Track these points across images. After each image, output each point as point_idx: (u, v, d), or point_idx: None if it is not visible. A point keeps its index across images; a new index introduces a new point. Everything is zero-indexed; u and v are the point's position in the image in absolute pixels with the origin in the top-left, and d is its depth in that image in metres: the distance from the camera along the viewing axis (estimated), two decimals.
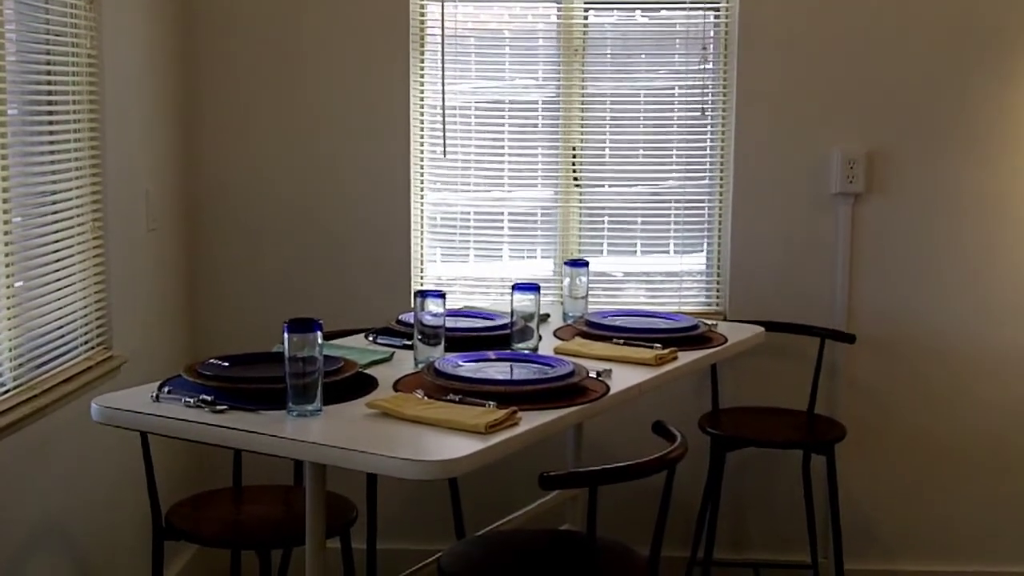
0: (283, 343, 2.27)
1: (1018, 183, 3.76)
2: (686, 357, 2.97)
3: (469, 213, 3.92)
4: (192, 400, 2.35)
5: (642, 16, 3.87)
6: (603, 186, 3.90)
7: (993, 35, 3.71)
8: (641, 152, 3.90)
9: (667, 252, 3.97)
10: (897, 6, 3.72)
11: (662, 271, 3.98)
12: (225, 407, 2.32)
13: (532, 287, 2.91)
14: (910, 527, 3.92)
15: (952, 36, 3.72)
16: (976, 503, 3.91)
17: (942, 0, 3.70)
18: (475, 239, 3.94)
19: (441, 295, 2.77)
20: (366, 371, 2.66)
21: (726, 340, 3.18)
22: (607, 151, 3.91)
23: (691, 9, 3.81)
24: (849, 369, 3.84)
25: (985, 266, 3.80)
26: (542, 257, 3.96)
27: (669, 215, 3.92)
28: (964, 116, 3.74)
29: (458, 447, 2.17)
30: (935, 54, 3.73)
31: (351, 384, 2.50)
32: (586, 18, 3.83)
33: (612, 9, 3.86)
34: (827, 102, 3.76)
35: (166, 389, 2.43)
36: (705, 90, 3.82)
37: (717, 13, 3.79)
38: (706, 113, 3.83)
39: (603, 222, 3.94)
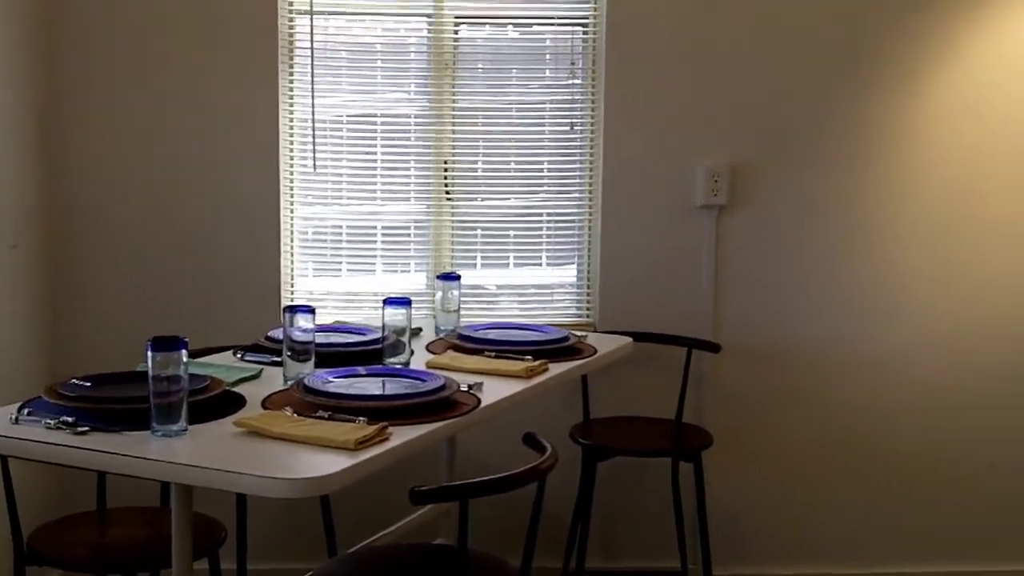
0: (147, 362, 2.23)
1: (875, 192, 3.89)
2: (556, 369, 3.00)
3: (341, 227, 3.91)
4: (53, 422, 2.28)
5: (514, 31, 3.90)
6: (476, 199, 3.92)
7: (849, 51, 3.84)
8: (513, 165, 3.93)
9: (539, 265, 4.01)
10: (760, 24, 3.82)
11: (534, 284, 4.01)
12: (87, 428, 2.26)
13: (403, 301, 2.91)
14: (778, 532, 4.02)
15: (811, 52, 3.84)
16: (843, 507, 4.02)
17: (802, 18, 3.82)
18: (347, 253, 3.92)
19: (311, 310, 2.75)
20: (234, 389, 2.62)
21: (595, 351, 3.23)
22: (479, 165, 3.93)
23: (560, 24, 3.86)
24: (715, 378, 3.93)
25: (846, 274, 3.92)
26: (415, 271, 3.96)
27: (541, 228, 3.96)
28: (823, 129, 3.86)
29: (327, 464, 2.15)
30: (795, 70, 3.84)
31: (218, 403, 2.47)
32: (456, 32, 3.85)
33: (484, 24, 3.88)
34: (692, 116, 3.84)
35: (26, 411, 2.36)
36: (574, 105, 3.87)
37: (585, 29, 3.85)
38: (575, 127, 3.88)
39: (476, 235, 3.96)
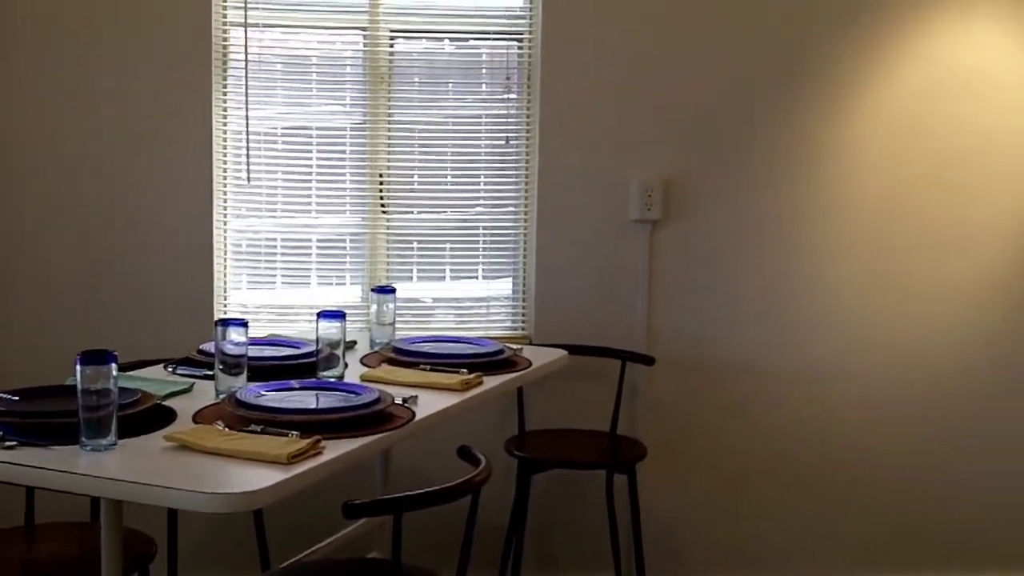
0: (75, 375, 2.21)
1: (806, 205, 3.95)
2: (492, 381, 3.01)
3: (276, 239, 3.89)
4: None
5: (450, 45, 3.91)
6: (412, 212, 3.92)
7: (779, 68, 3.90)
8: (449, 179, 3.94)
9: (475, 278, 4.02)
10: (694, 42, 3.87)
11: (471, 296, 4.02)
12: (15, 443, 2.23)
13: (337, 314, 2.90)
14: (712, 543, 4.06)
15: (743, 70, 3.89)
16: (776, 516, 4.07)
17: (736, 36, 3.88)
18: (282, 266, 3.91)
19: (243, 324, 2.73)
20: (165, 403, 2.60)
21: (530, 364, 3.24)
22: (415, 177, 3.94)
23: (495, 39, 3.88)
24: (649, 390, 3.96)
25: (777, 286, 3.97)
26: (351, 283, 3.95)
27: (477, 241, 3.97)
28: (755, 144, 3.92)
29: (259, 479, 2.14)
30: (729, 86, 3.90)
31: (149, 417, 2.44)
32: (392, 46, 3.85)
33: (421, 38, 3.89)
34: (626, 132, 3.88)
35: None
36: (509, 119, 3.89)
37: (520, 45, 3.87)
38: (510, 142, 3.90)
39: (412, 248, 3.96)
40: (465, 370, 2.98)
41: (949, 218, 4.01)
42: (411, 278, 3.97)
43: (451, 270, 4.00)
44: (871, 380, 4.04)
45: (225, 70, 3.77)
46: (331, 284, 3.95)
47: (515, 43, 3.88)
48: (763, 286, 3.97)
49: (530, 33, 3.86)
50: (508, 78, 3.88)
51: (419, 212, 3.93)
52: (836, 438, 4.05)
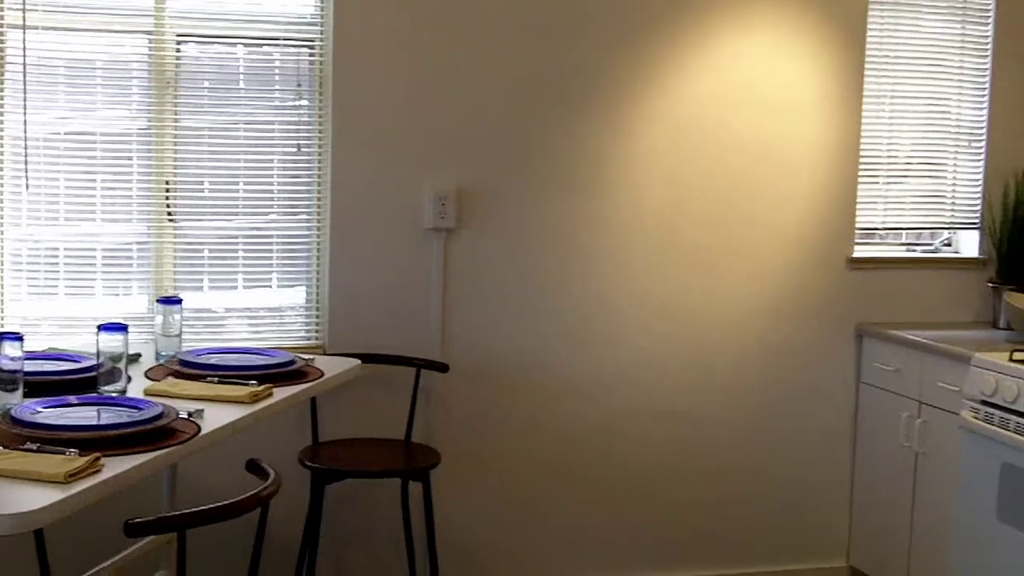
0: None
1: (592, 218, 4.05)
2: (282, 393, 2.99)
3: (58, 248, 3.75)
4: None
5: (243, 50, 3.86)
6: (202, 220, 3.84)
7: (570, 80, 3.99)
8: (242, 185, 3.88)
9: (269, 286, 3.96)
10: (485, 53, 3.92)
11: (264, 306, 3.96)
12: None
13: (119, 327, 2.83)
14: (507, 547, 4.11)
15: (535, 81, 3.97)
16: (567, 518, 4.15)
17: (525, 48, 3.94)
18: (66, 275, 3.77)
19: (19, 338, 2.64)
20: None
21: (323, 374, 3.23)
22: (206, 184, 3.86)
23: (286, 45, 3.84)
24: (444, 397, 3.99)
25: (565, 295, 4.06)
26: (137, 293, 3.84)
27: (271, 249, 3.92)
28: (543, 156, 4.00)
29: (36, 499, 2.08)
30: (521, 97, 3.96)
31: None
32: (179, 50, 3.77)
33: (212, 42, 3.82)
34: (420, 140, 3.90)
35: None
36: (301, 126, 3.87)
37: (311, 50, 3.85)
38: (302, 149, 3.87)
39: (203, 256, 3.88)
40: (255, 382, 2.95)
41: (726, 230, 4.18)
42: (202, 287, 3.89)
43: (244, 279, 3.94)
44: (653, 384, 4.17)
45: (1, 73, 3.62)
46: (117, 294, 3.83)
47: (306, 49, 3.85)
48: (552, 294, 4.05)
49: (321, 39, 3.84)
50: (299, 84, 3.85)
51: (210, 220, 3.86)
52: (622, 440, 4.16)
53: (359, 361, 3.48)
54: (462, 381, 3.98)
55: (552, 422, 4.10)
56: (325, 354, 3.75)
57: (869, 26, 4.25)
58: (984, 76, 4.38)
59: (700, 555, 4.27)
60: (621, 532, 4.20)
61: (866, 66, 4.26)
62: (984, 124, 4.39)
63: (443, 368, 3.87)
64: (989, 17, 4.36)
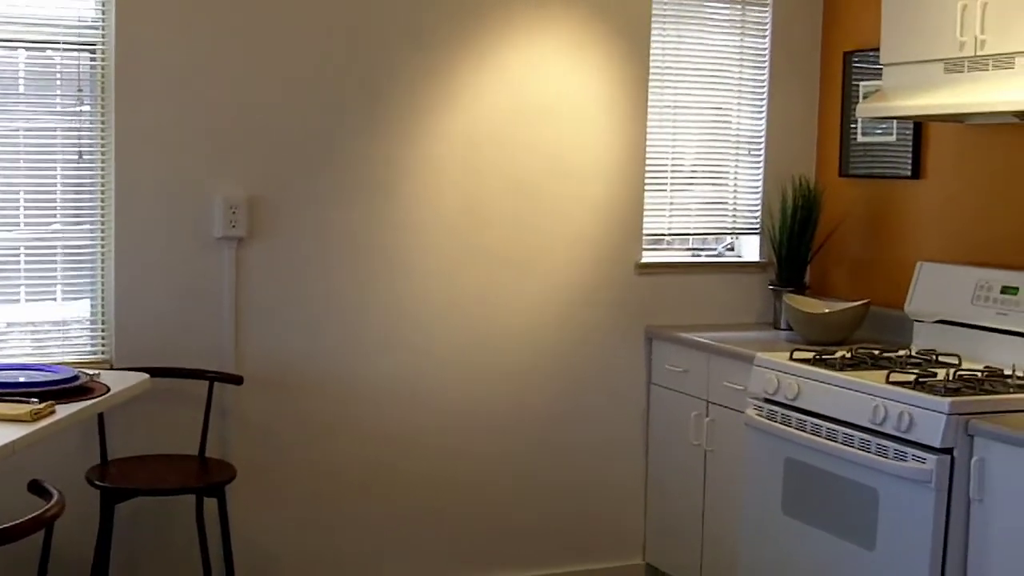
0: None
1: (389, 223, 4.05)
2: (65, 410, 2.88)
3: None
4: None
5: (24, 54, 3.68)
6: None
7: (363, 90, 3.98)
8: (23, 194, 3.71)
9: (54, 299, 3.80)
10: (276, 59, 3.86)
11: (48, 320, 3.80)
12: None
13: None
14: (305, 561, 4.06)
15: (327, 89, 3.94)
16: (368, 531, 4.12)
17: (318, 56, 3.91)
18: None
19: None
20: None
21: (108, 389, 3.12)
22: None
23: (67, 49, 3.70)
24: (239, 410, 3.91)
25: (363, 304, 4.04)
26: None
27: (55, 260, 3.76)
28: (337, 162, 3.97)
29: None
30: (313, 105, 3.92)
31: None
32: None
33: None
34: (209, 147, 3.81)
35: None
36: (82, 133, 3.73)
37: (93, 55, 3.71)
38: (84, 156, 3.73)
39: None
40: (36, 399, 2.83)
41: (520, 236, 4.24)
42: None
43: (26, 291, 3.76)
44: (451, 389, 4.19)
45: None
46: None
47: (88, 53, 3.71)
48: (347, 302, 4.02)
49: (103, 43, 3.71)
50: (80, 89, 3.70)
51: None
52: (420, 446, 4.17)
53: (148, 375, 3.39)
54: (258, 393, 3.91)
55: (351, 431, 4.07)
56: (112, 368, 3.63)
57: (653, 39, 4.39)
58: (762, 87, 4.59)
59: (499, 558, 4.32)
60: (420, 538, 4.20)
61: (651, 77, 4.40)
62: (762, 133, 4.60)
63: (237, 380, 3.79)
64: (766, 31, 4.56)
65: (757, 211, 4.64)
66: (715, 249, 4.72)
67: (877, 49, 3.83)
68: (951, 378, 3.31)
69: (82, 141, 3.73)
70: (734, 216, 4.65)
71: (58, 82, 3.73)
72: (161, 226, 3.78)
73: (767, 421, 3.67)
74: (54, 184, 3.74)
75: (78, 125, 3.72)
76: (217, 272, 3.84)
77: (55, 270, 3.77)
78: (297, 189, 3.93)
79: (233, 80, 3.83)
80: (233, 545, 3.68)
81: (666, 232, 4.57)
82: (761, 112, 4.60)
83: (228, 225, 3.82)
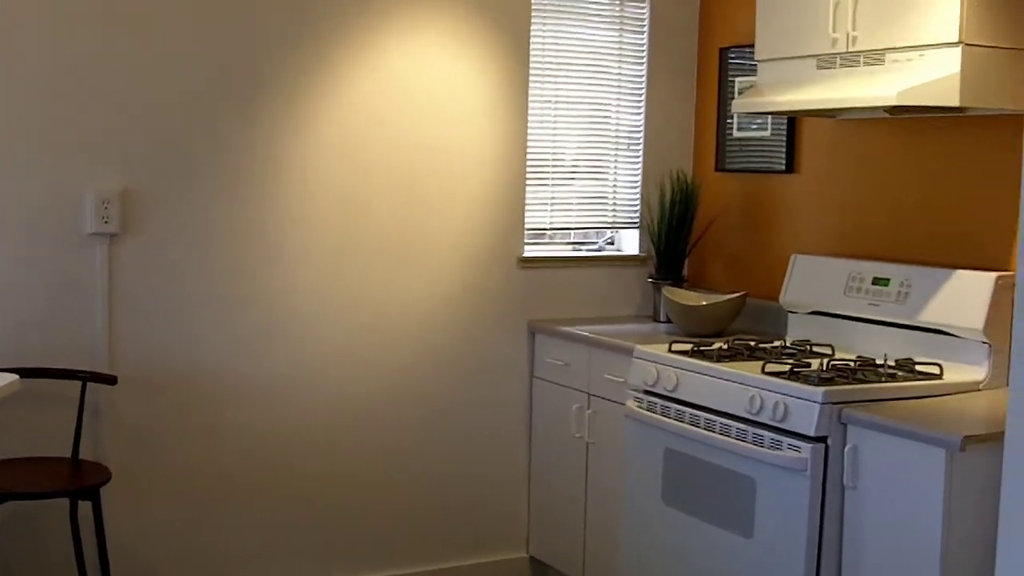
0: None
1: (271, 217, 3.99)
2: None
3: None
4: None
5: None
6: None
7: (241, 83, 3.91)
8: None
9: None
10: (152, 50, 3.77)
11: None
12: None
13: None
14: (184, 562, 3.97)
15: (204, 82, 3.86)
16: (249, 530, 4.06)
17: (194, 48, 3.83)
18: None
19: None
20: None
21: None
22: None
23: None
24: (113, 411, 3.81)
25: (238, 298, 3.97)
26: None
27: None
28: (216, 156, 3.90)
29: None
30: (190, 98, 3.84)
31: None
32: None
33: None
34: (79, 141, 3.71)
35: None
36: None
37: None
38: None
39: None
40: None
41: (403, 231, 4.22)
42: None
43: None
44: (333, 386, 4.15)
45: None
46: None
47: None
48: (225, 299, 3.95)
49: None
50: None
51: None
52: (303, 443, 4.12)
53: (17, 376, 3.27)
54: (133, 393, 3.82)
55: (230, 430, 4.00)
56: None
57: (532, 34, 4.40)
58: (641, 83, 4.64)
59: (384, 555, 4.29)
60: (304, 538, 4.15)
61: (531, 72, 4.41)
62: (641, 128, 4.65)
63: (111, 380, 3.69)
64: (644, 26, 4.61)
65: (636, 205, 4.69)
66: (596, 243, 4.76)
67: (752, 45, 3.90)
68: (825, 368, 3.39)
69: None
70: (614, 210, 4.69)
71: None
72: (28, 222, 3.66)
73: (647, 412, 3.71)
74: None
75: None
76: (89, 269, 3.73)
77: None
78: (174, 183, 3.85)
79: (107, 71, 3.72)
80: (109, 550, 3.59)
81: (548, 227, 4.59)
82: (640, 107, 4.65)
83: (100, 221, 3.71)
